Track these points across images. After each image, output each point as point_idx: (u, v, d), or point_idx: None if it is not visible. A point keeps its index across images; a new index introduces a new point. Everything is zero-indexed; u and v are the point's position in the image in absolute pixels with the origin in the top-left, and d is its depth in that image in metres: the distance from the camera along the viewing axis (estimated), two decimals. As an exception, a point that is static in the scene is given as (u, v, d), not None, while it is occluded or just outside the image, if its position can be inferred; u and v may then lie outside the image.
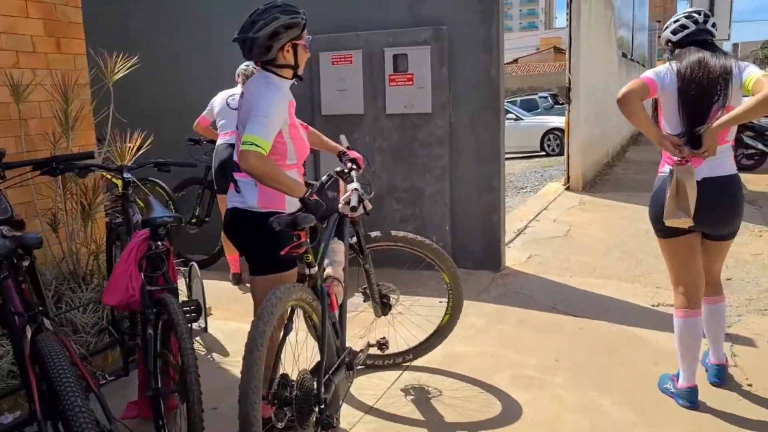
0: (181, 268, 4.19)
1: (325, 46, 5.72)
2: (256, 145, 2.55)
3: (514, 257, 5.98)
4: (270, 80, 2.81)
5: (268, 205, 2.81)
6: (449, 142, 5.51)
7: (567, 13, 8.97)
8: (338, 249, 3.12)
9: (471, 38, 5.36)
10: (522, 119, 16.90)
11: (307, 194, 2.69)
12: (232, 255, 5.36)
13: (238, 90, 5.05)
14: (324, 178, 3.25)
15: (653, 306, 4.66)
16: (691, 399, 3.18)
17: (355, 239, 3.39)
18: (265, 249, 2.79)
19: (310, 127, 3.26)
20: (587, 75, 9.51)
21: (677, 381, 3.27)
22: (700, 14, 3.21)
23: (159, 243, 2.87)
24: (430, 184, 5.59)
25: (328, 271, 3.01)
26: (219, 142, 5.16)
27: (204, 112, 5.33)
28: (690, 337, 3.20)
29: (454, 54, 5.42)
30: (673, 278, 3.30)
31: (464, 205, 5.57)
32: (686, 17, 3.22)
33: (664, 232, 3.21)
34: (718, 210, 3.09)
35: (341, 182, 3.26)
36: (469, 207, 5.56)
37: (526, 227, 7.18)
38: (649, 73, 3.13)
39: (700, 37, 3.17)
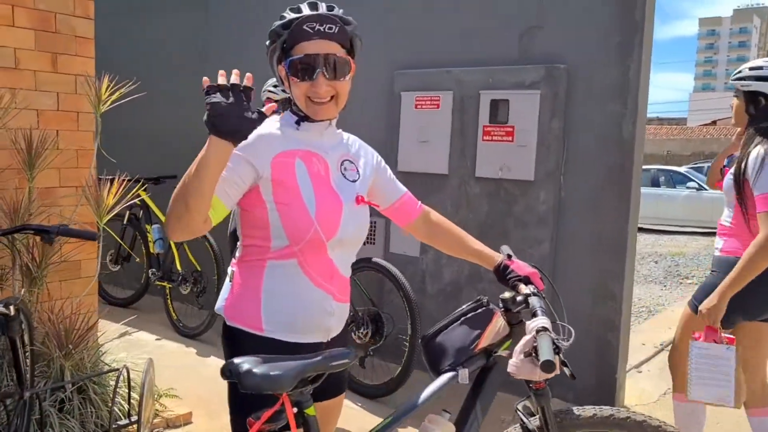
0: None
1: (408, 84, 4.49)
2: None
3: (641, 391, 4.23)
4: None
5: (234, 316, 1.77)
6: (554, 223, 3.98)
7: None
8: None
9: (598, 82, 3.83)
10: (705, 189, 14.36)
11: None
12: None
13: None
14: (469, 305, 1.99)
15: None
16: None
17: (537, 422, 1.88)
18: (230, 396, 1.76)
19: (429, 212, 2.19)
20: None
21: None
22: None
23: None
24: (525, 278, 4.08)
25: None
26: None
27: None
28: None
29: (572, 103, 3.92)
30: None
31: (568, 313, 3.96)
32: None
33: None
34: None
35: (497, 318, 1.96)
36: (576, 317, 3.94)
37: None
38: None
39: None
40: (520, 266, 2.06)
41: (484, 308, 1.95)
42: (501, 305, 1.96)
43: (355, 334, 4.00)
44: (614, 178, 3.81)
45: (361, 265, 4.00)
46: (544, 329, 1.71)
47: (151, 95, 6.09)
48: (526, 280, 2.01)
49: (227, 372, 1.50)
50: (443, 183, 4.39)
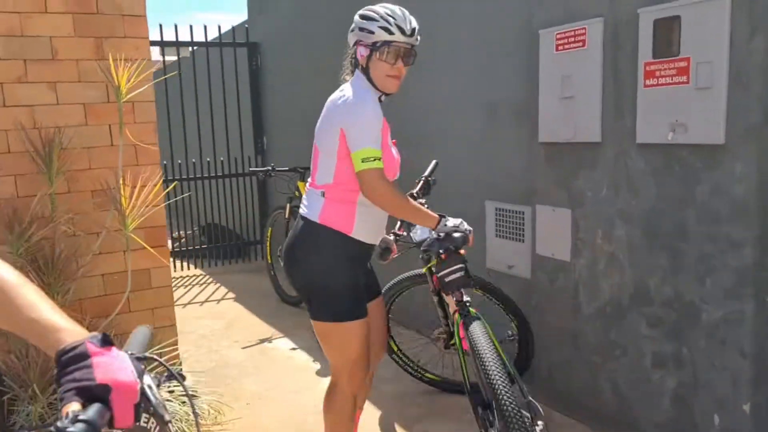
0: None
1: (546, 18, 3.18)
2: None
3: None
4: None
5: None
6: (760, 213, 2.38)
7: None
8: None
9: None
10: None
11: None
12: None
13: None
14: None
15: None
16: None
17: None
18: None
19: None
20: None
21: None
22: None
23: None
24: (715, 301, 2.54)
25: None
26: None
27: None
28: None
29: (786, 7, 2.27)
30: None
31: None
32: None
33: None
34: None
35: None
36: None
37: None
38: None
39: None
40: None
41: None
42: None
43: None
44: None
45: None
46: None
47: (307, 85, 5.61)
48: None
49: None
50: (595, 155, 3.00)
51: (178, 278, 6.75)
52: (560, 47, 3.10)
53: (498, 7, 3.63)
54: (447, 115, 4.09)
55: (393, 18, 2.19)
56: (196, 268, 7.15)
